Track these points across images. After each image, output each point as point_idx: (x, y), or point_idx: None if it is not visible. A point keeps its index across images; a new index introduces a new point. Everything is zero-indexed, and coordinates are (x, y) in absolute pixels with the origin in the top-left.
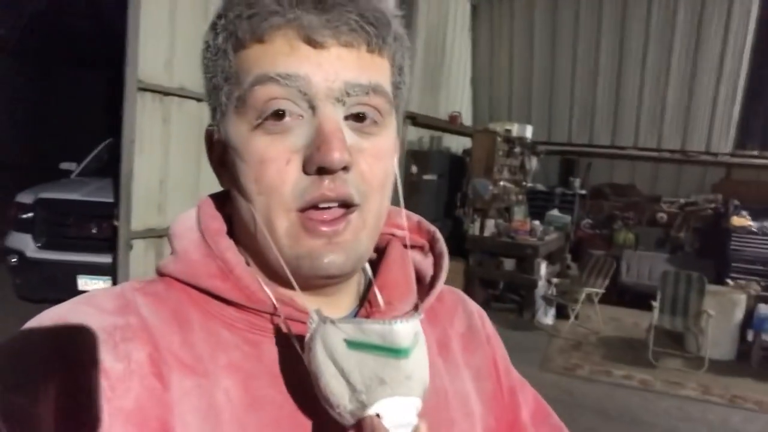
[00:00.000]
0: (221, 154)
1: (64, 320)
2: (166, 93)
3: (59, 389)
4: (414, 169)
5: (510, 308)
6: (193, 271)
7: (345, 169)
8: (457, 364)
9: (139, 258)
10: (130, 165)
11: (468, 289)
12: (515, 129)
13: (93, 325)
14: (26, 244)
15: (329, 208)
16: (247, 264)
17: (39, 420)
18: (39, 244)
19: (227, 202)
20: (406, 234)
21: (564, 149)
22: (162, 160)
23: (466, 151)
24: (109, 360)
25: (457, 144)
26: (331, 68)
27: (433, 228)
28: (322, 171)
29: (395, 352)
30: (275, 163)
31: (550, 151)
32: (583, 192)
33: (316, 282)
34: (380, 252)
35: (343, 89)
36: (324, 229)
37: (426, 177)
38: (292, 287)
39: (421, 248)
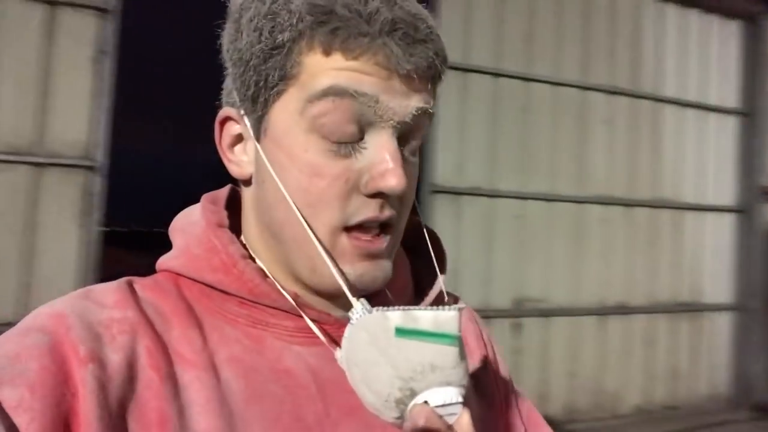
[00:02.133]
0: (234, 142)
1: (61, 314)
2: (459, 193)
3: (55, 383)
4: None
5: None
6: (195, 265)
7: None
8: None
9: None
10: None
11: None
12: None
13: (90, 319)
14: None
15: (371, 228)
16: (252, 259)
17: (35, 414)
18: None
19: (231, 194)
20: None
21: None
22: (454, 249)
23: None
24: (105, 353)
25: None
26: (403, 95)
27: (431, 229)
28: (377, 195)
29: (448, 338)
30: (333, 180)
31: None
32: None
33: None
34: None
35: (411, 113)
36: (368, 247)
37: None
38: (308, 288)
39: (420, 250)
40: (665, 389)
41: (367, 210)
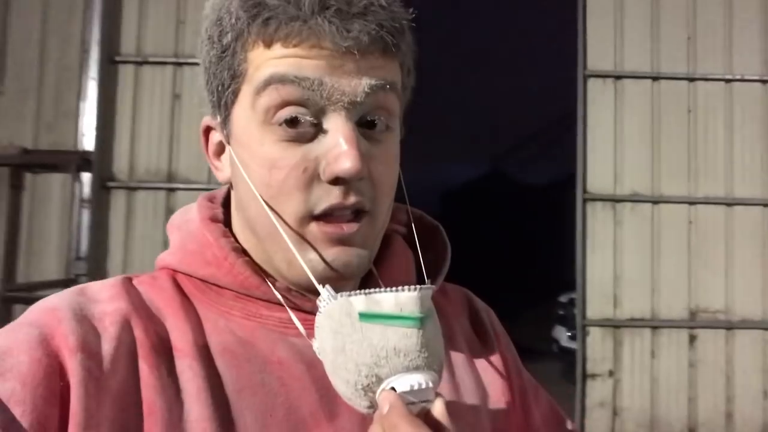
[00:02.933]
0: (219, 150)
1: (54, 308)
2: (617, 200)
3: (46, 374)
4: None
5: None
6: (190, 261)
7: (360, 178)
8: (463, 359)
9: (596, 343)
10: (582, 263)
11: None
12: None
13: (83, 312)
14: (561, 334)
15: (341, 215)
16: (245, 253)
17: (26, 407)
18: (569, 335)
19: (227, 193)
20: (402, 229)
21: None
22: (615, 258)
23: None
24: (97, 343)
25: None
26: (350, 74)
27: (435, 223)
28: (338, 180)
29: (410, 319)
30: (290, 171)
31: None
32: None
33: (326, 281)
34: (382, 246)
35: (362, 91)
36: (338, 232)
37: None
38: (290, 282)
39: (423, 243)
40: None
41: (330, 197)
